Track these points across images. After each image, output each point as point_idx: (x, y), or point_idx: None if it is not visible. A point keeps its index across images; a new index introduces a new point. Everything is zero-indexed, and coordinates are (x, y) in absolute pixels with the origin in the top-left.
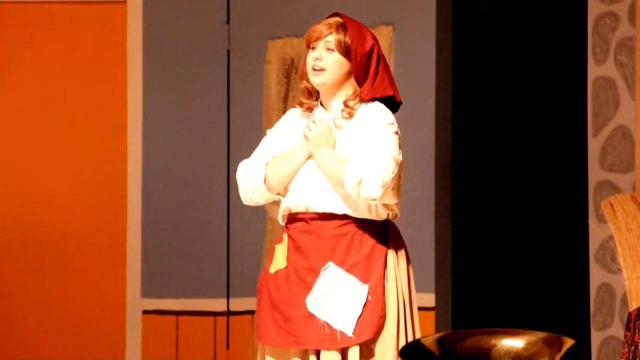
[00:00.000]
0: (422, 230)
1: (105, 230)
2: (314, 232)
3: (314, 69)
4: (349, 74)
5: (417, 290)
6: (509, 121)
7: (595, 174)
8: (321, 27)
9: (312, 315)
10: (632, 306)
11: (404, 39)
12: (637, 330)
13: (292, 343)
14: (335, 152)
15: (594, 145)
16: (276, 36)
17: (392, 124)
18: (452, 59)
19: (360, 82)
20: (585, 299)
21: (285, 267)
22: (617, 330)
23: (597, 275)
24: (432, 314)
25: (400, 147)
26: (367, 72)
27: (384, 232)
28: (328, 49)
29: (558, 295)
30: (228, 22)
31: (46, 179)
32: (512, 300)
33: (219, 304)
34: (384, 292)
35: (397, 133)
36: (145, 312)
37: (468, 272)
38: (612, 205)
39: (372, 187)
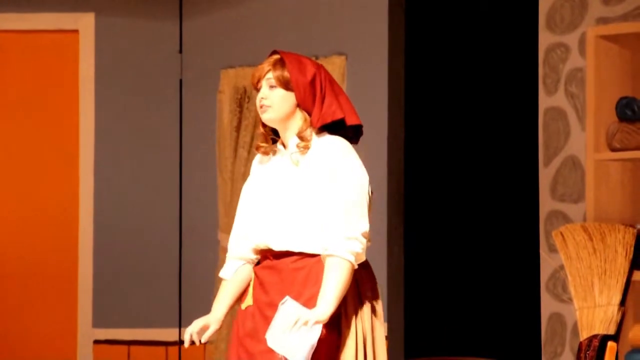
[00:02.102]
0: (374, 260)
1: (57, 259)
2: (273, 268)
3: (261, 107)
4: (296, 106)
5: None
6: (461, 151)
7: (546, 203)
8: (261, 67)
9: (271, 350)
10: (583, 336)
11: (356, 69)
12: None
13: None
14: (326, 288)
15: (545, 175)
16: (229, 66)
17: (343, 160)
18: (404, 89)
19: (309, 112)
20: (537, 328)
21: (251, 304)
22: (569, 359)
23: (548, 305)
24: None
25: (363, 181)
26: (314, 100)
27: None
28: (271, 87)
29: (509, 324)
30: (181, 51)
31: None
32: (465, 329)
33: (170, 334)
34: (339, 326)
35: (354, 165)
36: (96, 341)
37: (420, 301)
38: (562, 235)
39: (364, 254)
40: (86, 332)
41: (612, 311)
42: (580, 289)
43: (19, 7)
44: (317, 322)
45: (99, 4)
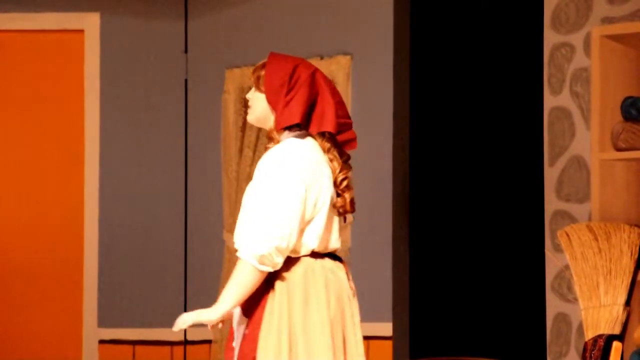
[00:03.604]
0: (379, 259)
1: (62, 259)
2: None
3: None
4: (271, 109)
5: (374, 320)
6: (467, 151)
7: (551, 203)
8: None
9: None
10: (588, 336)
11: (361, 69)
12: None
13: None
14: (225, 287)
15: (550, 175)
16: (234, 65)
17: (272, 162)
18: (409, 88)
19: (276, 114)
20: (542, 328)
21: None
22: (574, 359)
23: (553, 305)
24: (389, 343)
25: (279, 187)
26: (279, 103)
27: (275, 270)
28: (254, 88)
29: (515, 324)
30: (186, 51)
31: (2, 209)
32: (470, 329)
33: (176, 334)
34: (259, 327)
35: (281, 169)
36: (101, 341)
37: (425, 301)
38: (568, 235)
39: (275, 258)
40: (91, 331)
41: (618, 311)
42: (585, 289)
43: (24, 7)
44: (206, 320)
45: (104, 4)
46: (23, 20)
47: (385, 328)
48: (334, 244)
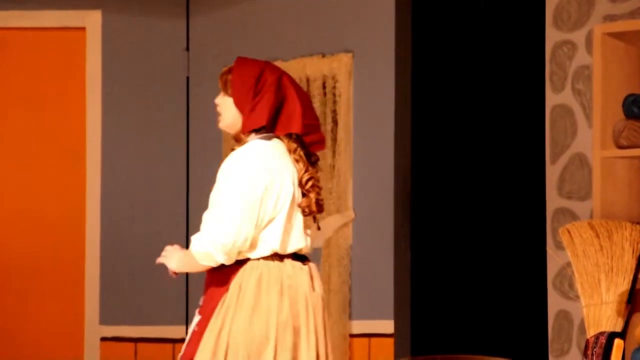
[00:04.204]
0: (381, 257)
1: (64, 257)
2: None
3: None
4: (240, 113)
5: (376, 317)
6: (468, 149)
7: (553, 201)
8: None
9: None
10: (590, 333)
11: (363, 66)
12: (594, 357)
13: None
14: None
15: (552, 172)
16: None
17: (232, 162)
18: (411, 86)
19: (243, 117)
20: (543, 325)
21: None
22: (575, 357)
23: (555, 302)
24: (391, 340)
25: (244, 187)
26: (246, 107)
27: (232, 271)
28: (222, 93)
29: (516, 321)
30: (188, 49)
31: (4, 205)
32: (471, 326)
33: (177, 331)
34: (206, 325)
35: (241, 169)
36: (103, 339)
37: (427, 299)
38: (569, 232)
39: (216, 256)
40: (93, 329)
41: (619, 308)
42: (587, 286)
43: (25, 5)
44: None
45: (106, 2)
46: (25, 18)
47: (387, 325)
48: (297, 244)
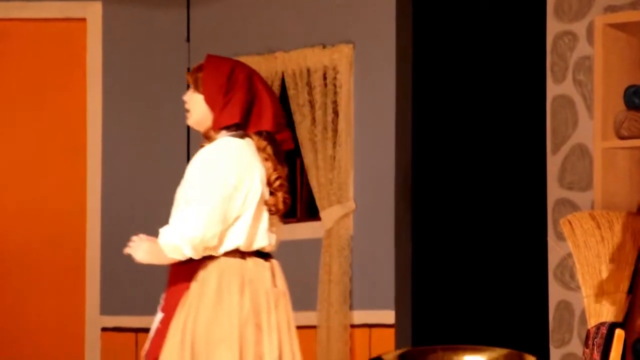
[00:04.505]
0: (382, 248)
1: (64, 247)
2: None
3: (185, 112)
4: (210, 110)
5: (377, 307)
6: (469, 139)
7: (554, 192)
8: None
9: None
10: (591, 323)
11: (364, 57)
12: (595, 348)
13: None
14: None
15: (553, 163)
16: (235, 54)
17: (204, 158)
18: (412, 77)
19: (214, 114)
20: (544, 316)
21: None
22: (576, 347)
23: (556, 293)
24: (391, 330)
25: (219, 183)
26: (217, 104)
27: (195, 267)
28: (191, 90)
29: (517, 312)
30: (188, 40)
31: (5, 197)
32: (472, 317)
33: None
34: (169, 322)
35: (212, 165)
36: (104, 329)
37: (428, 290)
38: (570, 223)
39: (184, 249)
40: (94, 319)
41: (620, 299)
42: (588, 277)
43: None
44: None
45: None
46: (25, 8)
47: (388, 316)
48: (261, 241)
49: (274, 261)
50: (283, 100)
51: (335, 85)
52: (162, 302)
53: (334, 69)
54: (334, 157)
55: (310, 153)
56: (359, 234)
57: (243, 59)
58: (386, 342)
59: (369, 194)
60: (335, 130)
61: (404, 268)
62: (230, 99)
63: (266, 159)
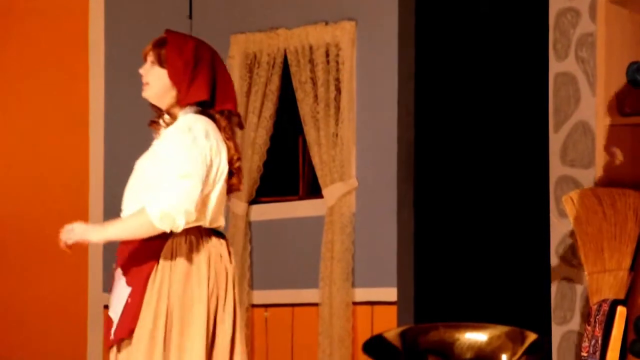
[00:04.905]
0: (384, 225)
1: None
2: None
3: (142, 85)
4: (172, 85)
5: (379, 285)
6: (471, 116)
7: (556, 169)
8: (148, 45)
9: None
10: (593, 300)
11: (366, 35)
12: (597, 325)
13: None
14: (119, 221)
15: (555, 140)
16: (239, 31)
17: (184, 133)
18: (414, 54)
19: (179, 90)
20: (546, 293)
21: None
22: (578, 324)
23: (558, 270)
24: (394, 308)
25: (199, 155)
26: (184, 80)
27: (162, 239)
28: (151, 62)
29: (519, 289)
30: (190, 16)
31: (6, 173)
32: (474, 294)
33: None
34: (143, 296)
35: (194, 141)
36: (106, 306)
37: (430, 267)
38: (573, 200)
39: (177, 219)
40: (96, 296)
41: (622, 276)
42: (590, 254)
43: None
44: (86, 240)
45: None
46: None
47: (390, 293)
48: (220, 220)
49: (227, 241)
50: (285, 77)
51: (337, 62)
52: (120, 277)
53: (337, 46)
54: (337, 135)
55: (313, 130)
56: (361, 211)
57: (245, 36)
58: (388, 320)
59: (372, 171)
60: (337, 108)
61: (406, 245)
62: (197, 75)
63: (228, 139)
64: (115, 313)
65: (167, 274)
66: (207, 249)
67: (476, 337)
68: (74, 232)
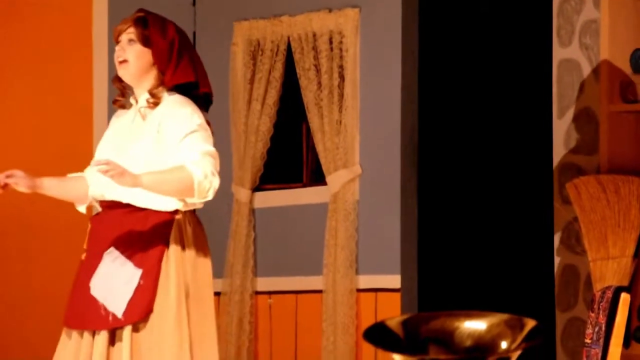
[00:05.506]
0: (388, 212)
1: (70, 211)
2: (104, 219)
3: (119, 62)
4: (152, 65)
5: (382, 272)
6: (475, 103)
7: (560, 156)
8: (123, 22)
9: (94, 298)
10: (596, 287)
11: (370, 21)
12: (601, 311)
13: (75, 324)
14: (155, 172)
15: (559, 127)
16: (242, 18)
17: (192, 115)
18: (418, 41)
19: (163, 71)
20: (550, 280)
21: (86, 254)
22: (581, 311)
23: (561, 257)
24: (397, 295)
25: (210, 135)
26: (170, 61)
27: (168, 220)
28: (130, 41)
29: (523, 276)
30: (194, 3)
31: (10, 167)
32: (478, 281)
33: None
34: (158, 277)
35: (200, 125)
36: None
37: (434, 254)
38: (576, 187)
39: (210, 191)
40: None
41: (626, 263)
42: (593, 241)
43: None
44: (120, 177)
45: None
46: None
47: (394, 280)
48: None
49: None
50: (289, 64)
51: (341, 50)
52: (118, 260)
53: (340, 33)
54: (340, 122)
55: (316, 117)
56: (365, 198)
57: (249, 23)
58: (392, 307)
59: (375, 159)
60: (341, 95)
61: (409, 232)
62: (182, 57)
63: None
64: (114, 296)
65: (179, 254)
66: (203, 229)
67: (475, 325)
68: (121, 168)
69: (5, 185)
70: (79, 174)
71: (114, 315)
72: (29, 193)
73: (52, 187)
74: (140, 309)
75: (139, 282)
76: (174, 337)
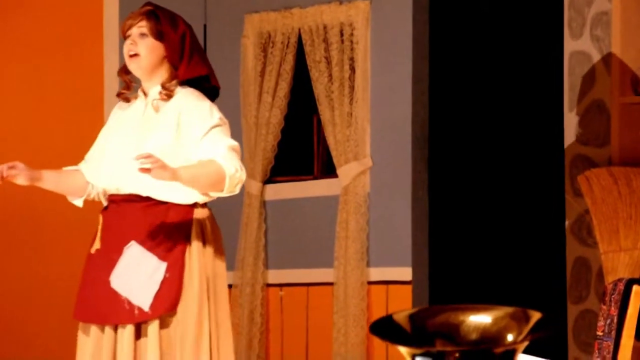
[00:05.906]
0: (399, 205)
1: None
2: (121, 213)
3: (130, 56)
4: (163, 58)
5: (394, 264)
6: (486, 95)
7: (571, 148)
8: (133, 16)
9: (115, 292)
10: (608, 280)
11: (380, 13)
12: (613, 304)
13: (95, 319)
14: (190, 167)
15: (570, 119)
16: (253, 10)
17: (212, 109)
18: (429, 33)
19: (175, 65)
20: (562, 272)
21: (99, 247)
22: (593, 303)
23: (573, 249)
24: (408, 287)
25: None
26: (182, 55)
27: (188, 214)
28: (142, 34)
29: (534, 269)
30: None
31: (19, 156)
32: (489, 273)
33: None
34: (183, 270)
35: (220, 119)
36: None
37: (445, 246)
38: (588, 179)
39: (238, 186)
40: None
41: (638, 255)
42: (605, 233)
43: None
44: (162, 171)
45: None
46: None
47: (405, 273)
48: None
49: None
50: (300, 56)
51: (351, 42)
52: (141, 254)
53: (351, 25)
54: (351, 114)
55: (327, 110)
56: (375, 190)
57: (259, 16)
58: (403, 299)
59: (386, 151)
60: (352, 87)
61: (421, 224)
62: (195, 51)
63: None
64: (139, 290)
65: (200, 248)
66: (217, 223)
67: (481, 318)
68: (162, 162)
69: (5, 177)
70: (73, 167)
71: (140, 309)
72: (33, 187)
73: (50, 179)
74: (168, 302)
75: (165, 275)
76: (196, 330)
